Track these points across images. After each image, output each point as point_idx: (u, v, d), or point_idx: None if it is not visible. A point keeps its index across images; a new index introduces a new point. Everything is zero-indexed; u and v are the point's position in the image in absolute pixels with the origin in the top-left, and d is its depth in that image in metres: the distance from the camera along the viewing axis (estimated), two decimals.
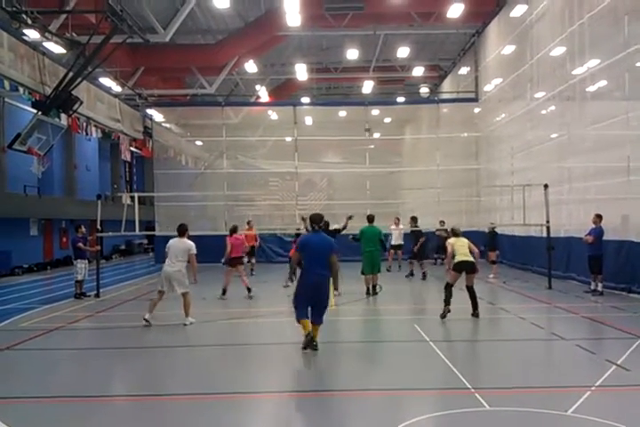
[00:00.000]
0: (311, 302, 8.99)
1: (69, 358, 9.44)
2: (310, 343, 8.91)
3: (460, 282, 11.53)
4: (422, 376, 7.83)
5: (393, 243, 20.85)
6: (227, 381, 7.74)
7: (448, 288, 11.40)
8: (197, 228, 25.60)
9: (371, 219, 15.64)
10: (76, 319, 12.53)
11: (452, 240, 11.73)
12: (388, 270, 20.09)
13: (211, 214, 26.58)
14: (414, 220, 19.87)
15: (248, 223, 21.08)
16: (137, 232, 17.69)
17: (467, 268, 11.34)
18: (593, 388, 6.78)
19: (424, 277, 18.73)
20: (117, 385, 8.09)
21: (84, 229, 16.61)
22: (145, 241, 40.86)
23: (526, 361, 8.53)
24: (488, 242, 18.88)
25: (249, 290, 15.32)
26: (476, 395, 6.61)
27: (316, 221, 9.14)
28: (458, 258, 11.40)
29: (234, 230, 15.89)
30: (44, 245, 29.64)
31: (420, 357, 8.87)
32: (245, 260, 20.50)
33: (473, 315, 11.34)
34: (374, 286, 15.21)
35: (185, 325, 11.29)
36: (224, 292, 15.36)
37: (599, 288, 14.26)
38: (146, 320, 11.24)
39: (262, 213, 28.49)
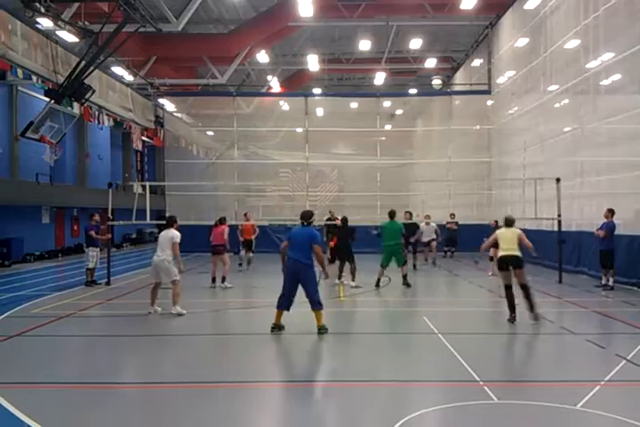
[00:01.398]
0: (294, 286, 9.64)
1: (79, 345, 9.53)
2: (277, 329, 9.73)
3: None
4: (430, 368, 7.84)
5: (424, 239, 20.57)
6: (232, 370, 7.78)
7: (507, 291, 10.33)
8: (208, 218, 25.72)
9: (392, 214, 15.47)
10: (86, 307, 12.61)
11: (500, 231, 10.65)
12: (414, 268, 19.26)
13: (221, 204, 26.63)
14: (410, 214, 19.46)
15: (245, 215, 20.63)
16: (148, 221, 17.77)
17: (510, 263, 10.19)
18: (602, 382, 6.76)
19: (414, 267, 19.11)
20: (126, 373, 8.14)
21: (97, 217, 16.64)
22: (155, 230, 40.91)
23: (536, 355, 8.54)
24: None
25: (223, 279, 15.36)
26: (485, 388, 6.61)
27: (305, 217, 10.00)
28: (501, 253, 10.35)
29: (220, 221, 15.93)
30: (55, 233, 29.82)
31: (429, 349, 8.88)
32: (242, 253, 20.15)
33: (532, 318, 10.18)
34: (404, 277, 15.34)
35: (172, 313, 11.26)
36: (213, 280, 15.51)
37: (610, 283, 14.20)
38: (150, 313, 11.48)
39: (272, 204, 28.52)
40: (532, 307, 10.20)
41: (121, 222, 18.97)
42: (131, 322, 11.18)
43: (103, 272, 16.45)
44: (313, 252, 9.58)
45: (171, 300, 11.46)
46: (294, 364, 8.32)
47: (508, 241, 10.31)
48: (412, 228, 19.22)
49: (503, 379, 7.22)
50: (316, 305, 9.61)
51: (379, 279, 15.13)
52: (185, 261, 23.04)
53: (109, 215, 16.70)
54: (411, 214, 19.48)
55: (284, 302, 9.68)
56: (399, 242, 15.19)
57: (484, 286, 15.44)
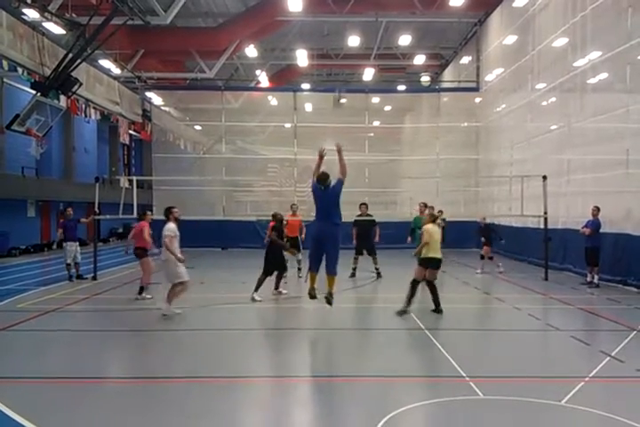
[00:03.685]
0: (320, 253, 9.45)
1: (65, 339, 9.47)
2: (328, 298, 9.48)
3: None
4: (417, 364, 7.90)
5: None
6: (218, 365, 7.78)
7: (414, 285, 10.55)
8: (195, 212, 25.64)
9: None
10: (72, 301, 12.54)
11: (429, 227, 10.63)
12: None
13: (209, 199, 26.55)
14: (367, 206, 16.67)
15: (291, 207, 16.59)
16: (134, 216, 17.65)
17: (434, 265, 10.62)
18: (587, 378, 6.84)
19: (379, 275, 16.28)
20: (113, 367, 8.12)
21: (71, 211, 16.37)
22: None
23: (521, 351, 8.59)
24: (485, 236, 17.53)
25: (141, 290, 12.72)
26: (471, 383, 6.66)
27: (321, 180, 9.46)
28: (430, 253, 10.51)
29: (140, 216, 13.24)
30: (41, 227, 29.61)
31: (416, 345, 8.94)
32: (299, 257, 15.66)
33: (434, 311, 10.56)
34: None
35: (159, 309, 10.61)
36: (141, 290, 12.80)
37: (595, 280, 14.32)
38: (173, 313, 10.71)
39: (260, 200, 28.47)
40: (437, 303, 10.61)
41: (107, 217, 18.84)
42: (117, 317, 11.14)
43: (90, 267, 16.36)
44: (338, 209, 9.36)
45: (165, 295, 10.71)
46: (279, 359, 8.32)
47: (436, 243, 10.55)
48: (369, 224, 16.23)
49: (489, 375, 7.26)
50: (332, 271, 9.53)
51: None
52: None
53: (96, 209, 16.62)
54: (367, 207, 16.58)
55: (314, 266, 9.57)
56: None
57: (471, 282, 15.53)
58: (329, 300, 9.48)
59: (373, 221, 16.45)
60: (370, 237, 16.22)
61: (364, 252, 16.21)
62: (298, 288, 13.67)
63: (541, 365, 7.81)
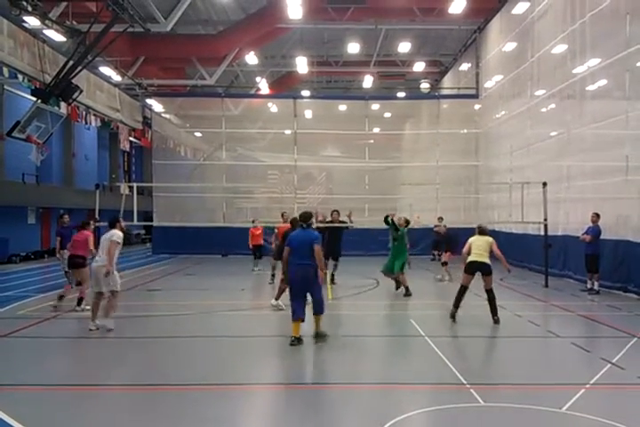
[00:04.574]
0: (305, 292, 9.18)
1: (65, 346, 9.47)
2: (322, 338, 9.29)
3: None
4: (417, 371, 7.86)
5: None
6: (219, 372, 7.76)
7: (461, 290, 10.82)
8: (196, 219, 25.73)
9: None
10: (72, 308, 12.50)
11: (472, 238, 10.97)
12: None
13: (209, 206, 26.59)
14: (338, 213, 16.69)
15: (282, 216, 16.76)
16: (135, 222, 17.70)
17: (478, 269, 10.63)
18: (587, 386, 6.82)
19: (332, 281, 16.12)
20: (112, 374, 8.09)
21: (67, 217, 16.20)
22: (143, 231, 40.86)
23: (522, 358, 8.58)
24: (445, 242, 17.49)
25: (80, 301, 12.13)
26: (471, 390, 6.65)
27: (304, 219, 9.49)
28: (469, 258, 10.73)
29: (83, 225, 13.00)
30: (41, 234, 29.60)
31: (416, 352, 8.92)
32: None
33: (494, 321, 10.61)
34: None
35: (108, 330, 10.03)
36: (60, 297, 12.45)
37: (595, 287, 14.31)
38: (91, 329, 10.12)
39: (261, 206, 28.50)
40: (494, 311, 10.70)
41: (106, 223, 18.85)
42: (116, 324, 11.10)
43: None
44: (314, 253, 8.98)
45: (103, 310, 10.22)
46: (281, 366, 8.30)
47: (478, 248, 10.70)
48: (338, 230, 16.24)
49: (489, 382, 7.25)
50: (319, 310, 9.29)
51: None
52: (170, 262, 22.95)
53: (97, 216, 16.64)
54: (338, 214, 16.64)
55: (299, 311, 9.07)
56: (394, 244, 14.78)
57: (472, 289, 15.47)
58: (324, 339, 9.27)
59: (346, 227, 16.56)
60: (338, 243, 16.08)
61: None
62: None
63: (542, 372, 7.78)
